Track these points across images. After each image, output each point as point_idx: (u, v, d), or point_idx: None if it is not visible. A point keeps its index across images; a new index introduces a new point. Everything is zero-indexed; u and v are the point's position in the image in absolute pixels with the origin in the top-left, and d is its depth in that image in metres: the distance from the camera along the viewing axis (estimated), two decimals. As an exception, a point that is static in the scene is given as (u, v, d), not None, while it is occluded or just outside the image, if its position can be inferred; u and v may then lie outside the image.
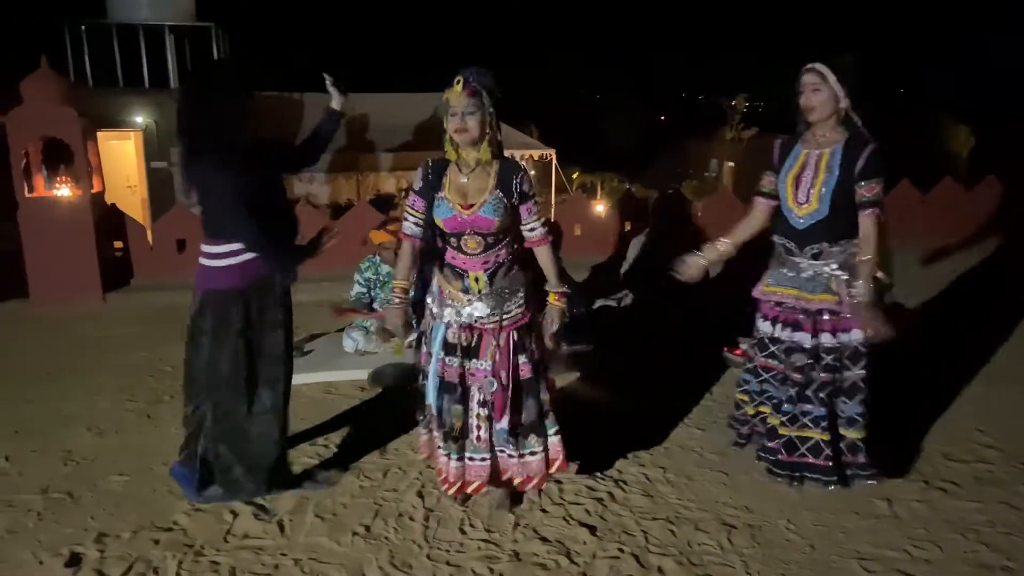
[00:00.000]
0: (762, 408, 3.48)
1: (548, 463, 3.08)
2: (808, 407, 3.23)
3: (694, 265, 3.44)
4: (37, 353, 5.60)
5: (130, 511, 3.24)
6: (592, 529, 3.07)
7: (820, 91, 3.06)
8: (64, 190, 7.08)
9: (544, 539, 3.00)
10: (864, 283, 3.00)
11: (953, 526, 3.06)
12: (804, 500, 3.24)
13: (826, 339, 3.19)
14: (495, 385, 2.92)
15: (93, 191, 7.17)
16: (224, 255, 3.03)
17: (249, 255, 3.02)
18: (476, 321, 2.93)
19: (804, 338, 3.22)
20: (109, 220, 7.49)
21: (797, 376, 3.25)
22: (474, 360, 2.96)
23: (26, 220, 6.91)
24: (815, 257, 3.16)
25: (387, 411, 4.31)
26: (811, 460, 3.25)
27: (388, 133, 13.74)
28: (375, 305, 5.32)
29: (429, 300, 3.06)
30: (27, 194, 6.91)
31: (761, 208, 3.39)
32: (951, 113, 17.36)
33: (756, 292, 3.41)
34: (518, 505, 3.24)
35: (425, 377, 3.05)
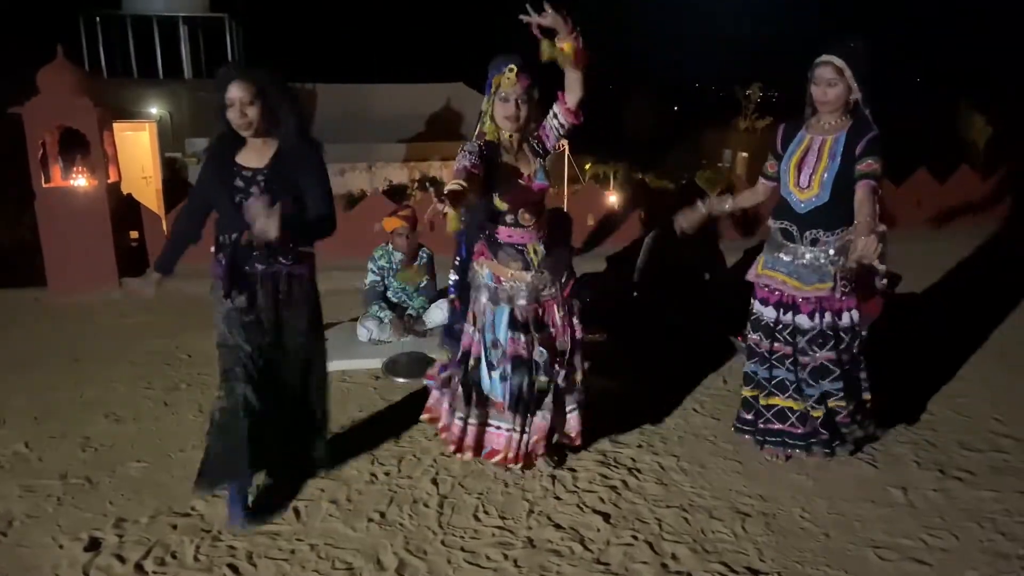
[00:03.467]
0: (773, 399, 3.41)
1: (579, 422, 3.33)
2: (827, 385, 3.24)
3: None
4: (55, 341, 5.65)
5: (148, 496, 3.28)
6: (606, 516, 3.08)
7: (836, 86, 3.04)
8: (81, 180, 7.13)
9: (558, 526, 3.01)
10: (864, 238, 2.71)
11: (969, 515, 3.05)
12: (819, 488, 3.24)
13: (828, 319, 3.20)
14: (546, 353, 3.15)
15: (109, 181, 7.22)
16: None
17: None
18: (542, 296, 3.15)
19: (803, 320, 3.24)
20: (125, 210, 7.54)
21: (806, 358, 3.26)
22: (543, 330, 3.17)
23: (43, 210, 6.97)
24: (813, 243, 3.16)
25: (401, 399, 4.33)
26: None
27: (400, 124, 13.73)
28: (389, 294, 5.34)
29: (480, 296, 3.16)
30: (44, 184, 6.96)
31: (763, 187, 3.46)
32: (968, 101, 17.15)
33: (750, 275, 3.41)
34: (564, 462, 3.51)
35: (474, 365, 3.20)
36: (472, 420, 3.20)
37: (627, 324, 5.53)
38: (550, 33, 2.75)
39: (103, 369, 4.96)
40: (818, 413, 3.27)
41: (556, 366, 3.17)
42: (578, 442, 3.35)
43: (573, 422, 3.30)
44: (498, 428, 3.22)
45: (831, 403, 3.25)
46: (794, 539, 2.91)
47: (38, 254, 7.05)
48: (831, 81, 3.03)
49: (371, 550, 2.86)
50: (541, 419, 3.19)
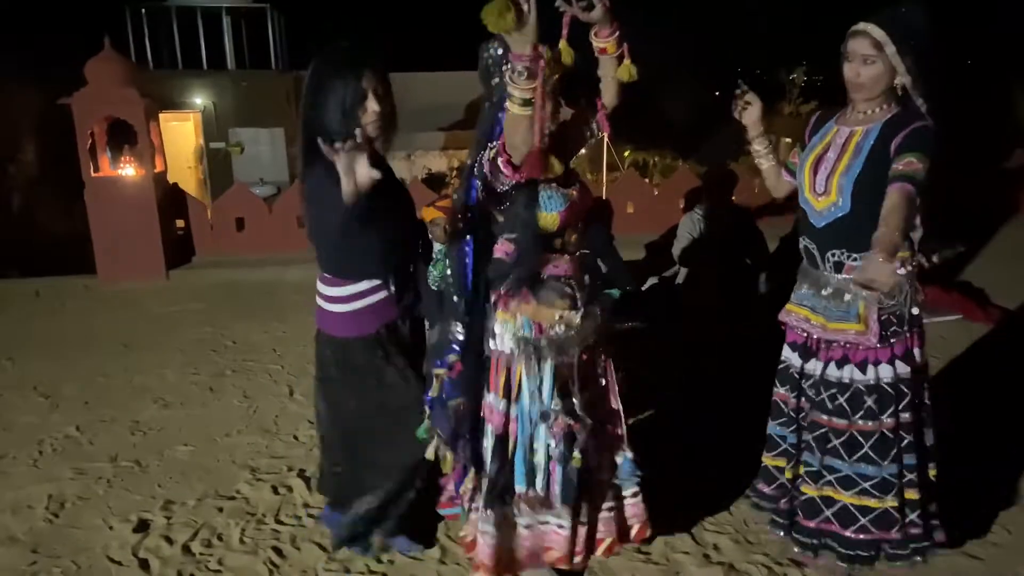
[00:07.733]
0: (806, 488, 2.50)
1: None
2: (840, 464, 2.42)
3: (753, 110, 2.65)
4: (105, 328, 5.79)
5: (195, 480, 3.35)
6: (646, 506, 3.04)
7: (873, 64, 2.24)
8: (128, 170, 7.28)
9: (598, 515, 2.99)
10: (877, 258, 1.95)
11: None
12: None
13: (832, 371, 2.41)
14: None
15: (156, 171, 7.36)
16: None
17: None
18: (593, 340, 2.38)
19: (816, 367, 2.46)
20: (171, 199, 7.69)
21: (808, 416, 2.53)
22: (589, 389, 2.39)
23: (92, 199, 7.14)
24: (837, 268, 2.35)
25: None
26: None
27: (439, 112, 13.77)
28: (428, 282, 5.34)
29: (518, 354, 2.30)
30: (93, 174, 7.13)
31: (787, 181, 2.66)
32: (1021, 81, 16.62)
33: (782, 314, 2.55)
34: None
35: (497, 467, 2.31)
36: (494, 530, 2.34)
37: (666, 311, 5.47)
38: (581, 28, 2.23)
39: (152, 355, 5.07)
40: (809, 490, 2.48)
41: (618, 442, 2.47)
42: (645, 534, 2.51)
43: (633, 509, 2.50)
44: (538, 526, 2.41)
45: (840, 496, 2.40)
46: (839, 531, 2.85)
47: (88, 242, 7.24)
48: (867, 58, 2.24)
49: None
50: (607, 512, 2.45)
